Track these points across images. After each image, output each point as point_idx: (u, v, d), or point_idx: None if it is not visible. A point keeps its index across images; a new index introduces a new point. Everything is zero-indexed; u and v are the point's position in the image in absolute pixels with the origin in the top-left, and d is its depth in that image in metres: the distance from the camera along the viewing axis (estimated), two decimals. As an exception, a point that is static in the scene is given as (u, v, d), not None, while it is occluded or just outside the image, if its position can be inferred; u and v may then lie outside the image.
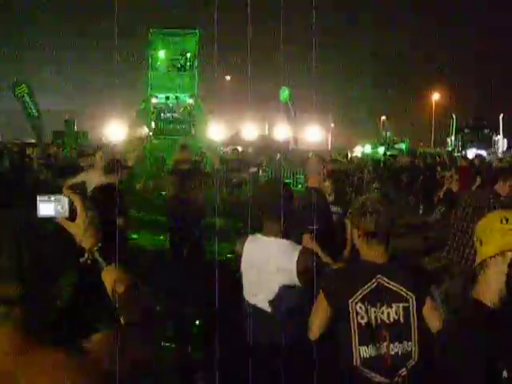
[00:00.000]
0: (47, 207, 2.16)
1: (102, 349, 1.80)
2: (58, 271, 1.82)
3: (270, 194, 4.27)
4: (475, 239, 2.60)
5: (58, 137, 41.50)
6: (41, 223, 1.98)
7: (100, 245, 2.21)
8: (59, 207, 2.17)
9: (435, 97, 68.91)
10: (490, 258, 2.45)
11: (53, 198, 2.18)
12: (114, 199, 5.33)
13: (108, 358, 1.77)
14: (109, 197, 5.18)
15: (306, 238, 5.96)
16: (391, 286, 3.46)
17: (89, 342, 1.82)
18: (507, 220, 2.45)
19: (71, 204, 2.19)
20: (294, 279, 4.03)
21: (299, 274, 4.02)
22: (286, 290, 4.05)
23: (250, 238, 4.40)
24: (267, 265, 4.12)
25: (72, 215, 2.19)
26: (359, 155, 39.28)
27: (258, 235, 4.33)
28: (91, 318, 2.24)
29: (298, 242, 4.70)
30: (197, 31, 43.34)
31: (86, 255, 2.21)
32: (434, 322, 3.42)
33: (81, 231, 2.20)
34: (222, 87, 48.23)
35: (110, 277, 2.17)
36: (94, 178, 8.07)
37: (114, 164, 8.16)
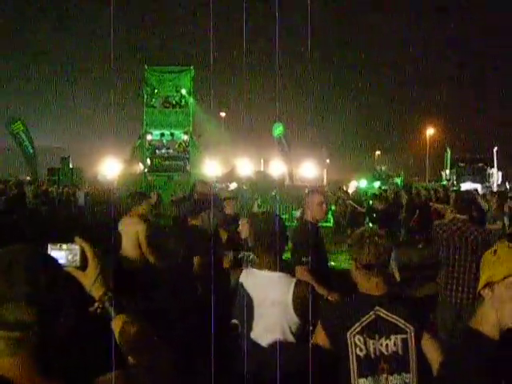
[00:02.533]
0: (58, 256, 2.12)
1: None
2: (72, 301, 1.82)
3: (264, 228, 4.27)
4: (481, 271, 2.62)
5: (54, 174, 41.50)
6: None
7: (110, 294, 2.19)
8: (70, 256, 2.16)
9: (429, 131, 69.23)
10: (482, 290, 2.47)
11: (64, 247, 2.16)
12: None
13: None
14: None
15: (300, 270, 5.98)
16: (389, 318, 3.46)
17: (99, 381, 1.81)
18: (495, 252, 2.48)
19: (82, 253, 2.17)
20: (289, 312, 4.01)
21: (295, 306, 4.01)
22: (282, 323, 4.04)
23: (244, 271, 4.40)
24: (263, 298, 4.11)
25: (82, 264, 2.18)
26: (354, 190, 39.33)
27: (253, 269, 4.33)
28: (98, 362, 2.22)
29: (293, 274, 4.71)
30: (191, 68, 43.71)
31: (96, 304, 2.19)
32: (434, 353, 3.41)
33: (91, 280, 2.19)
34: (216, 123, 48.31)
35: (119, 326, 2.15)
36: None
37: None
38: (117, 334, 2.15)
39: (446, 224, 7.60)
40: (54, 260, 1.89)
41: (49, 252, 2.13)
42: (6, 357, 1.67)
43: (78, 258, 2.16)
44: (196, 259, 6.03)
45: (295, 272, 5.83)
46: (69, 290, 1.82)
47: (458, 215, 7.42)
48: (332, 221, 28.33)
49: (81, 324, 2.68)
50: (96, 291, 2.19)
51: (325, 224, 25.90)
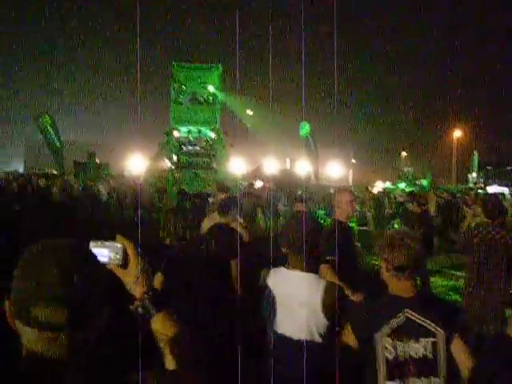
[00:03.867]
0: (99, 253, 2.11)
1: None
2: (106, 302, 1.81)
3: (295, 227, 4.25)
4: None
5: (80, 168, 41.70)
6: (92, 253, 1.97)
7: (151, 293, 2.19)
8: (112, 254, 2.16)
9: (456, 133, 68.70)
10: None
11: (107, 244, 2.17)
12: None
13: None
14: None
15: (323, 268, 5.96)
16: (419, 321, 3.43)
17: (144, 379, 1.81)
18: None
19: (124, 251, 2.18)
20: (318, 313, 4.00)
21: (324, 307, 3.99)
22: (310, 323, 4.02)
23: (273, 271, 4.38)
24: (291, 298, 4.09)
25: (124, 262, 2.18)
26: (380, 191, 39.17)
27: (282, 268, 4.32)
28: (135, 364, 2.22)
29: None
30: (219, 66, 43.75)
31: (136, 303, 2.19)
32: (464, 358, 3.39)
33: (132, 279, 2.19)
34: (243, 122, 48.27)
35: (159, 325, 2.15)
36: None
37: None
38: (156, 334, 2.15)
39: (475, 229, 7.50)
40: (91, 259, 1.86)
41: (90, 249, 2.11)
42: (37, 355, 1.68)
43: (119, 256, 2.16)
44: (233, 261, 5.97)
45: (319, 270, 5.81)
46: (104, 290, 1.81)
47: (486, 219, 7.35)
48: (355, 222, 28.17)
49: (120, 322, 2.69)
50: (137, 290, 2.20)
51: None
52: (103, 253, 2.14)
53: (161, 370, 1.96)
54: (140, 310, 2.18)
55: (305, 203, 9.21)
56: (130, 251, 2.18)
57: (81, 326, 1.70)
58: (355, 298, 5.71)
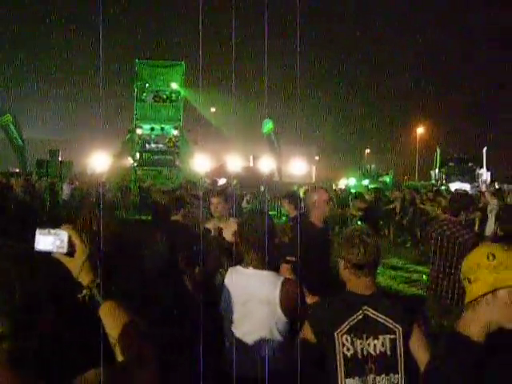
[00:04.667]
0: (46, 241, 2.13)
1: None
2: (49, 307, 1.78)
3: (251, 225, 4.23)
4: (462, 277, 2.55)
5: (42, 166, 41.35)
6: (34, 256, 1.93)
7: (98, 281, 2.18)
8: (58, 242, 2.14)
9: (419, 130, 69.31)
10: (481, 296, 2.40)
11: (52, 232, 2.15)
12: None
13: None
14: None
15: (283, 268, 5.95)
16: (378, 318, 3.43)
17: (82, 380, 1.78)
18: (494, 256, 2.40)
19: (70, 239, 2.16)
20: (277, 310, 3.98)
21: (282, 305, 3.97)
22: (269, 321, 4.00)
23: (230, 269, 4.35)
24: (249, 297, 4.06)
25: (70, 250, 2.16)
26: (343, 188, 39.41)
27: (239, 267, 4.28)
28: (86, 356, 2.21)
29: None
30: (182, 63, 43.75)
31: (84, 291, 2.18)
32: (422, 354, 3.39)
33: (78, 267, 2.17)
34: (207, 119, 48.30)
35: (107, 313, 2.14)
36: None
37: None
38: (104, 321, 2.13)
39: (437, 224, 7.55)
40: (33, 264, 1.82)
41: (37, 236, 2.13)
42: None
43: (65, 244, 2.15)
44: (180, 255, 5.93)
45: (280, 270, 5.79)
46: (48, 294, 1.78)
47: (450, 216, 7.39)
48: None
49: (68, 313, 2.65)
50: (84, 278, 2.18)
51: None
52: (49, 240, 2.14)
53: (111, 364, 1.93)
54: (87, 298, 2.16)
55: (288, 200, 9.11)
56: (76, 239, 2.17)
57: (24, 334, 1.67)
58: (309, 299, 5.68)
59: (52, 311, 1.78)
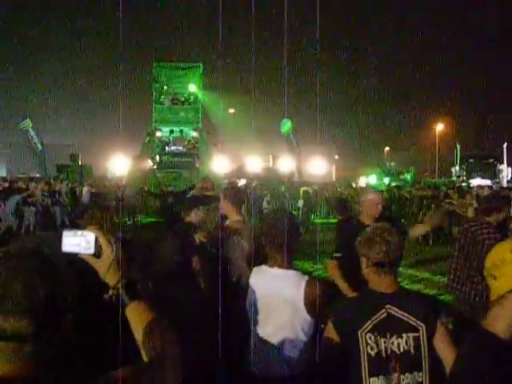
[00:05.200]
0: (72, 242, 2.16)
1: None
2: (72, 308, 1.80)
3: (275, 225, 4.22)
4: (486, 274, 2.52)
5: (62, 171, 41.55)
6: (58, 258, 1.95)
7: (125, 281, 2.20)
8: (84, 243, 2.17)
9: (439, 127, 68.90)
10: (509, 292, 2.35)
11: (79, 233, 2.18)
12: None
13: None
14: None
15: (329, 264, 6.06)
16: (401, 316, 3.42)
17: (108, 379, 1.79)
18: None
19: (96, 240, 2.18)
20: (301, 310, 3.98)
21: (306, 304, 3.97)
22: (293, 321, 4.00)
23: (255, 269, 4.35)
24: (274, 296, 4.07)
25: (97, 251, 2.19)
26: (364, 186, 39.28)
27: (264, 267, 4.28)
28: (111, 356, 2.24)
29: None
30: (200, 65, 43.78)
31: (111, 292, 2.21)
32: (446, 351, 3.38)
33: (105, 268, 2.20)
34: (225, 120, 48.35)
35: (133, 313, 2.16)
36: None
37: None
38: (130, 322, 2.16)
39: (467, 224, 7.46)
40: (54, 266, 1.84)
41: (63, 238, 2.16)
42: (2, 365, 1.66)
43: (92, 244, 2.17)
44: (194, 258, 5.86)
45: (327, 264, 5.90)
46: (67, 297, 1.79)
47: (481, 216, 7.31)
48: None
49: (95, 313, 2.68)
50: (110, 278, 2.21)
51: (333, 221, 25.88)
52: (76, 241, 2.17)
53: (137, 364, 1.94)
54: (114, 298, 2.19)
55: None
56: (102, 240, 2.19)
57: (46, 336, 1.68)
58: (350, 295, 5.67)
59: (74, 312, 1.79)
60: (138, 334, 2.11)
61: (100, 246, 2.19)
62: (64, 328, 1.76)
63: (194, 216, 6.66)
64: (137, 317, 2.14)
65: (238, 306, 4.45)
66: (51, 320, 1.70)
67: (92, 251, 2.18)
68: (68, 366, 1.79)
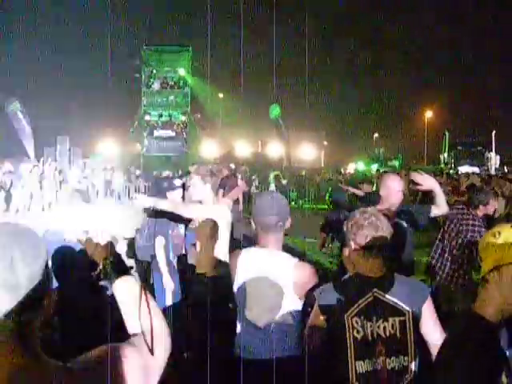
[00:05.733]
0: None
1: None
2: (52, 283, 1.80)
3: (264, 206, 4.22)
4: (478, 258, 2.56)
5: (51, 154, 41.40)
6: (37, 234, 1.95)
7: (112, 258, 2.24)
8: None
9: (428, 114, 68.98)
10: (488, 273, 2.41)
11: None
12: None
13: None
14: None
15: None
16: (387, 300, 3.44)
17: (91, 355, 1.81)
18: (499, 233, 2.42)
19: None
20: (289, 292, 3.98)
21: (295, 287, 3.98)
22: (281, 303, 4.00)
23: (244, 251, 4.35)
24: (262, 278, 4.07)
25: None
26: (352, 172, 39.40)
27: (253, 248, 4.29)
28: (99, 331, 2.29)
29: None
30: (189, 48, 43.66)
31: (99, 269, 2.24)
32: (433, 336, 3.40)
33: (93, 245, 2.27)
34: (214, 105, 48.24)
35: (120, 287, 2.19)
36: None
37: None
38: (117, 296, 2.18)
39: (456, 212, 7.50)
40: (35, 240, 1.83)
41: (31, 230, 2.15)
42: None
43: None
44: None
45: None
46: (49, 271, 1.80)
47: (468, 209, 7.36)
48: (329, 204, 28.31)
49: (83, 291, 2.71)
50: (98, 256, 2.26)
51: (322, 206, 25.94)
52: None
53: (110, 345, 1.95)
54: (102, 275, 2.23)
55: None
56: None
57: (30, 311, 1.68)
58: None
59: (56, 287, 1.81)
60: (124, 309, 2.14)
61: None
62: (46, 311, 1.76)
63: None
64: (123, 292, 2.17)
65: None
66: (35, 296, 1.70)
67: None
68: (55, 341, 1.80)
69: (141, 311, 2.09)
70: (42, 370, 1.66)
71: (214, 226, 5.41)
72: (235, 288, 4.23)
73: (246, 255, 4.26)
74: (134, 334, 2.06)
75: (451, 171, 37.06)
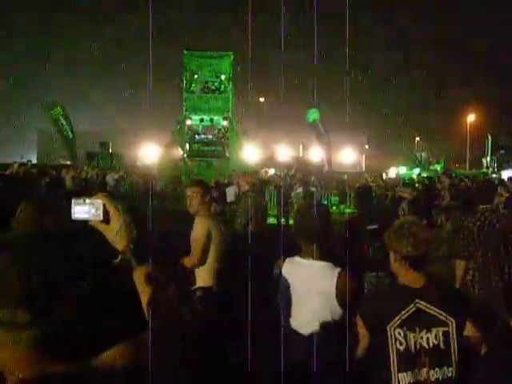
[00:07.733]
0: (82, 210, 2.25)
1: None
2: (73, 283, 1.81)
3: (307, 217, 4.22)
4: None
5: (93, 159, 41.88)
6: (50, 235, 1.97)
7: (132, 246, 2.26)
8: (93, 210, 2.25)
9: (470, 117, 68.15)
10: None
11: (88, 201, 2.26)
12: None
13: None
14: None
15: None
16: (430, 311, 3.41)
17: (109, 356, 1.83)
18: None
19: (104, 207, 2.26)
20: (333, 302, 3.98)
21: (338, 296, 3.97)
22: (324, 313, 4.00)
23: (287, 260, 4.35)
24: (306, 287, 4.08)
25: (106, 218, 2.26)
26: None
27: (297, 258, 4.29)
28: (122, 318, 2.34)
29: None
30: (231, 53, 43.73)
31: (120, 256, 2.28)
32: (475, 346, 3.38)
33: (114, 233, 2.27)
34: (255, 109, 48.39)
35: (140, 276, 2.23)
36: None
37: None
38: (137, 285, 2.23)
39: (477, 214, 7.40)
40: (50, 249, 1.85)
41: (73, 206, 2.26)
42: (4, 352, 1.69)
43: (100, 211, 2.25)
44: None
45: None
46: (64, 280, 1.81)
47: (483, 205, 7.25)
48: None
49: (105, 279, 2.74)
50: (119, 243, 2.28)
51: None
52: (85, 209, 2.26)
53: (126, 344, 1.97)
54: (122, 263, 2.27)
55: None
56: (109, 207, 2.27)
57: (44, 321, 1.70)
58: None
59: (77, 286, 1.81)
60: (143, 298, 2.18)
61: (107, 213, 2.26)
62: (65, 309, 1.77)
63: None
64: (143, 281, 2.21)
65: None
66: (49, 306, 1.71)
67: (101, 217, 2.25)
68: (71, 345, 1.80)
69: (154, 304, 2.12)
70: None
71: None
72: (279, 294, 4.25)
73: (290, 265, 4.27)
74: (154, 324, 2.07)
75: (494, 175, 36.54)
